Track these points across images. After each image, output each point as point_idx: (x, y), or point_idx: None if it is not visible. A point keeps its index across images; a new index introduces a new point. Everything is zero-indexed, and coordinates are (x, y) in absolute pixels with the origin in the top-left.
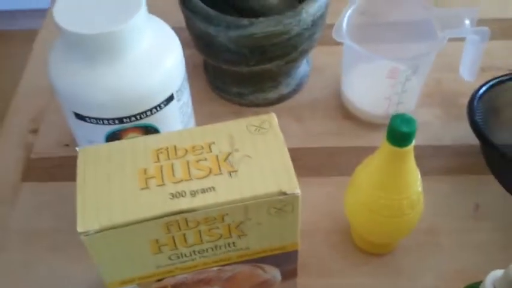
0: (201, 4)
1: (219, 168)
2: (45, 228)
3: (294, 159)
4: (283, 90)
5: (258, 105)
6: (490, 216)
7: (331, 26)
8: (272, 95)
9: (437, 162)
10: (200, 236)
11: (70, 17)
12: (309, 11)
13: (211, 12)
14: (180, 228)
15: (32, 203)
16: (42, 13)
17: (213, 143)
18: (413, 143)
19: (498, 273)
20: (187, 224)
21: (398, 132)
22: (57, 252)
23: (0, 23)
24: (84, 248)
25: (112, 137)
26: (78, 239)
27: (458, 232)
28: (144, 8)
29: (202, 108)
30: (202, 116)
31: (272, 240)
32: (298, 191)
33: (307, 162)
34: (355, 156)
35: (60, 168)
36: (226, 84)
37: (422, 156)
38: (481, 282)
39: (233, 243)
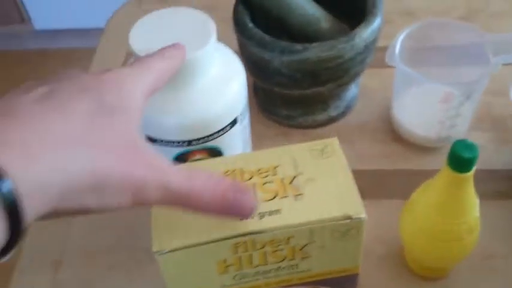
0: (256, 30)
1: (285, 191)
2: (103, 246)
3: None
4: (332, 112)
5: (306, 127)
6: None
7: (379, 49)
8: (321, 117)
9: (490, 186)
10: (265, 257)
11: (144, 43)
12: (362, 36)
13: (267, 37)
14: (247, 249)
15: (89, 221)
16: (81, 33)
17: (278, 166)
18: (474, 168)
19: None
20: (254, 245)
21: (461, 158)
22: (114, 270)
23: (41, 41)
24: (143, 265)
25: (180, 158)
26: (135, 257)
27: None
28: (214, 37)
29: (252, 129)
30: (253, 139)
31: (334, 263)
32: (364, 215)
33: (356, 184)
34: (405, 179)
35: None
36: (275, 107)
37: (475, 180)
38: None
39: (296, 265)
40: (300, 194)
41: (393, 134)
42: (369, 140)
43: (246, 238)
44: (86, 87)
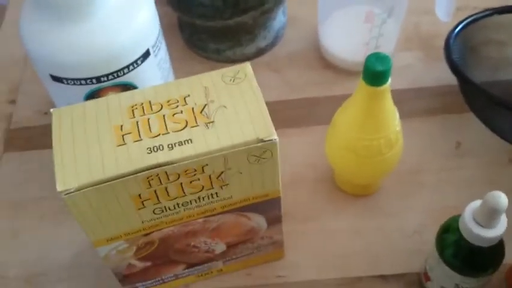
0: None
1: (196, 121)
2: (31, 196)
3: (275, 112)
4: (261, 43)
5: (235, 60)
6: (471, 152)
7: None
8: (249, 49)
9: (419, 104)
10: (182, 189)
11: None
12: None
13: None
14: (161, 182)
15: (16, 173)
16: None
17: (188, 95)
18: (389, 81)
19: (477, 203)
20: (168, 177)
21: (374, 71)
22: (44, 219)
23: None
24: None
25: (91, 97)
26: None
27: (442, 170)
28: None
29: (180, 67)
30: (181, 75)
31: (254, 188)
32: (275, 137)
33: (288, 114)
34: (336, 104)
35: (42, 137)
36: (203, 41)
37: (405, 99)
38: (460, 215)
39: (216, 193)
40: (211, 122)
41: (323, 62)
42: (300, 69)
43: (157, 170)
44: None
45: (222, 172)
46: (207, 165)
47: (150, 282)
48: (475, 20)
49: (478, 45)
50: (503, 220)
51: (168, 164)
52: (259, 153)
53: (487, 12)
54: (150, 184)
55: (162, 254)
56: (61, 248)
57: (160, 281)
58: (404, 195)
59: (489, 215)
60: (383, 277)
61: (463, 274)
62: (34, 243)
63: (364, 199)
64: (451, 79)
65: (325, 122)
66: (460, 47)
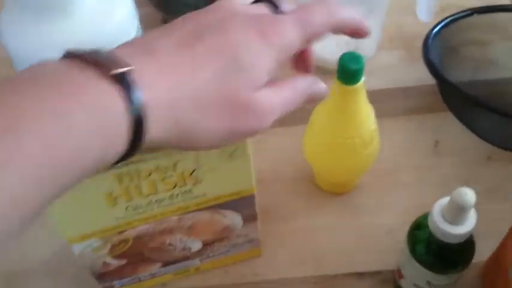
0: None
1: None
2: None
3: None
4: None
5: None
6: (450, 151)
7: None
8: None
9: (400, 103)
10: (155, 186)
11: None
12: None
13: None
14: (132, 179)
15: None
16: None
17: (178, 162)
18: (363, 80)
19: (444, 200)
20: (139, 174)
21: (347, 70)
22: None
23: None
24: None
25: None
26: None
27: (419, 169)
28: None
29: None
30: None
31: (227, 185)
32: None
33: None
34: (318, 104)
35: None
36: None
37: (385, 98)
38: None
39: (189, 190)
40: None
41: None
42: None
43: (129, 168)
44: (224, 48)
45: (194, 170)
46: (179, 161)
47: (126, 280)
48: (455, 19)
49: (458, 45)
50: (472, 217)
51: (139, 162)
52: (230, 150)
53: (467, 12)
54: (121, 181)
55: (137, 252)
56: (42, 245)
57: (137, 280)
58: (382, 193)
59: (456, 212)
60: (359, 274)
61: (433, 271)
62: (15, 241)
63: (342, 197)
64: (431, 79)
65: (307, 122)
66: (440, 47)
